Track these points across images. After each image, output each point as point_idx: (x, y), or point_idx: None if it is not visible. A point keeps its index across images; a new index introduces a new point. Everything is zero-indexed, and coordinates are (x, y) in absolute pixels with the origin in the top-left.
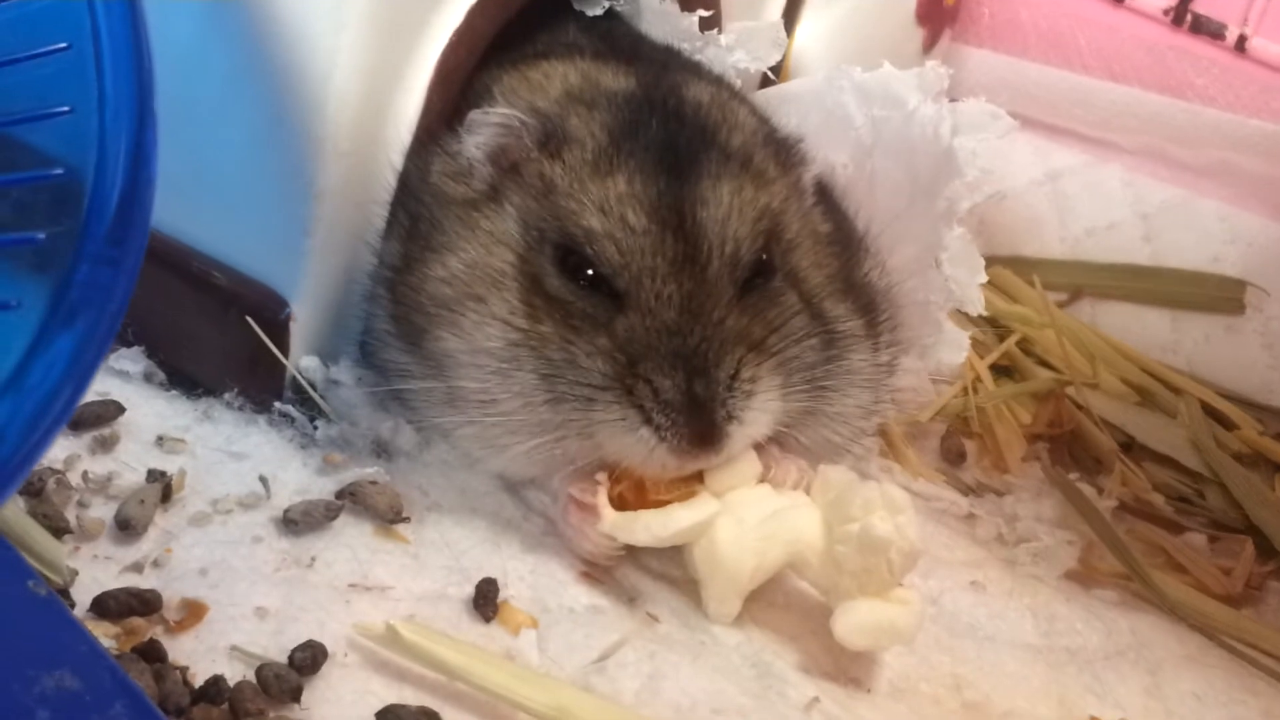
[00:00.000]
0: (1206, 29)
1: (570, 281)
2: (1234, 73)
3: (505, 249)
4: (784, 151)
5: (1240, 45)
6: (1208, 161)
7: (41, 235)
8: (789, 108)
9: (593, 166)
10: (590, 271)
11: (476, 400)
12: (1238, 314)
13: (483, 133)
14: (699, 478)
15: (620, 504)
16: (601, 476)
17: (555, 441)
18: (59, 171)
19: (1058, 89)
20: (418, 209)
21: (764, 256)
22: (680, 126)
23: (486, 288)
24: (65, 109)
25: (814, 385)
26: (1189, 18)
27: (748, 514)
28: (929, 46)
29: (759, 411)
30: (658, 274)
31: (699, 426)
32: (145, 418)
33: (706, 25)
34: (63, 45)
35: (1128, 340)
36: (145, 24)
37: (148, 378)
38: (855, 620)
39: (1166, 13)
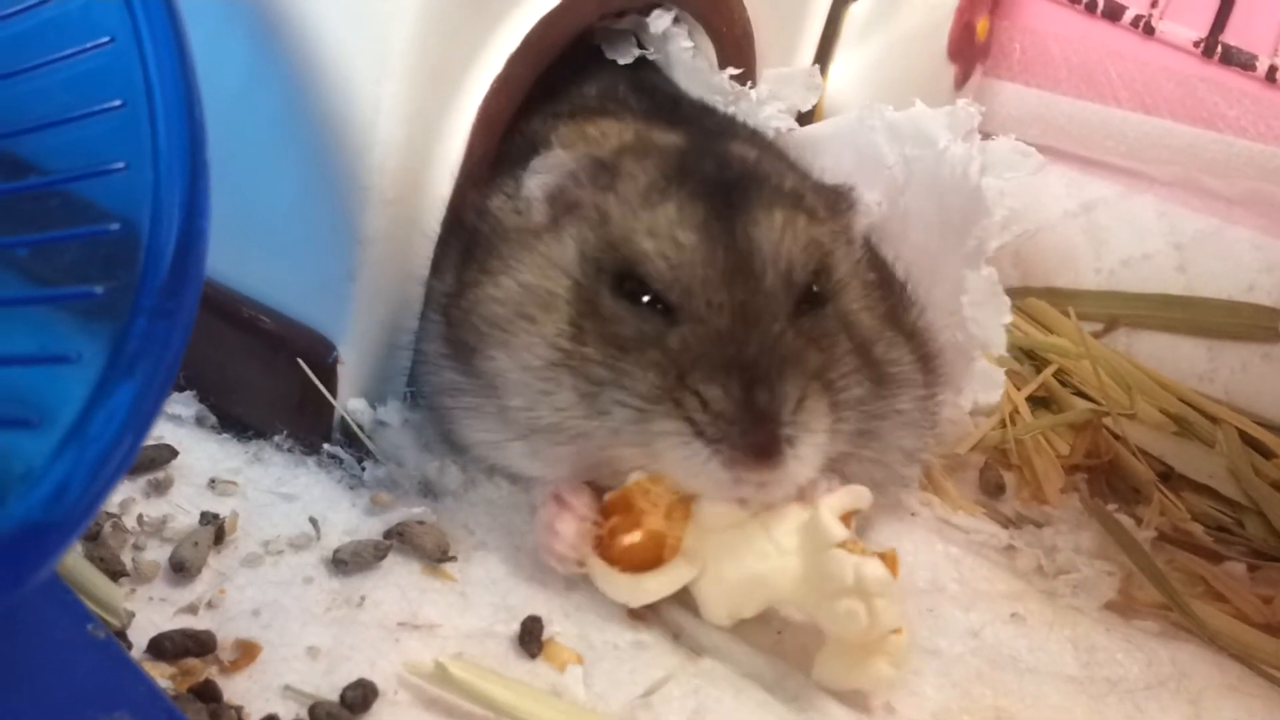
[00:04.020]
0: (1237, 60)
1: (625, 303)
2: (1265, 103)
3: (561, 274)
4: (834, 197)
5: (1271, 76)
6: (1240, 191)
7: (99, 290)
8: (822, 148)
9: (644, 197)
10: (645, 296)
11: (524, 418)
12: (1274, 342)
13: (543, 175)
14: (686, 509)
15: (610, 534)
16: (585, 506)
17: (602, 450)
18: (115, 226)
19: (1090, 122)
20: (471, 239)
21: (814, 288)
22: (730, 170)
23: (538, 308)
24: (120, 165)
25: (861, 431)
26: (1219, 49)
27: (728, 571)
28: (961, 82)
29: (812, 449)
30: (709, 283)
31: (757, 438)
32: (198, 461)
33: (739, 80)
34: (117, 103)
35: (1164, 370)
36: (196, 79)
37: (199, 421)
38: (830, 670)
39: (1197, 44)
